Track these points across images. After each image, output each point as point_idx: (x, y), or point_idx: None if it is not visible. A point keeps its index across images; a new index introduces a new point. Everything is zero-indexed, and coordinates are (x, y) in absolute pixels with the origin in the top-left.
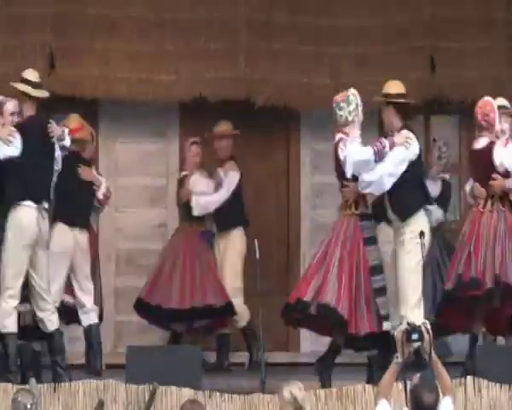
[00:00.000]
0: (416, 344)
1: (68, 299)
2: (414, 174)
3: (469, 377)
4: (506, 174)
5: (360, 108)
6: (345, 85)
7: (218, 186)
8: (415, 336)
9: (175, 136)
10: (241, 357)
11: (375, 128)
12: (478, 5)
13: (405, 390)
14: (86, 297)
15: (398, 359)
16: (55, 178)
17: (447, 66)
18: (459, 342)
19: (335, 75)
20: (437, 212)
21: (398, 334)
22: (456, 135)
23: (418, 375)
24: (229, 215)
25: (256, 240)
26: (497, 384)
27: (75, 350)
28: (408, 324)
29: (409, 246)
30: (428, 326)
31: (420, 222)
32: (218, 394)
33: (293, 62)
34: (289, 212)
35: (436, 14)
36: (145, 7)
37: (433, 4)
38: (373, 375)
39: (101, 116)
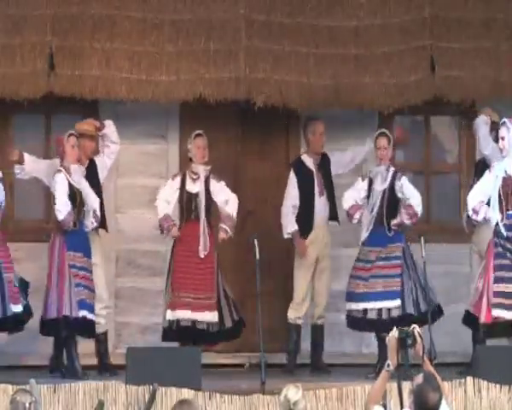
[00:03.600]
0: (410, 349)
1: None
2: None
3: (469, 378)
4: None
5: None
6: (345, 86)
7: None
8: (409, 342)
9: (175, 136)
10: (242, 358)
11: (375, 130)
12: (478, 5)
13: (400, 393)
14: None
15: (389, 366)
16: None
17: (447, 66)
18: (458, 344)
19: (335, 76)
20: None
21: (391, 341)
22: (456, 135)
23: (421, 375)
24: None
25: (256, 240)
26: (497, 385)
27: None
28: (400, 330)
29: None
30: (419, 330)
31: None
32: (218, 395)
33: (292, 63)
34: None
35: (436, 14)
36: (145, 7)
37: (433, 4)
38: None
39: (101, 117)
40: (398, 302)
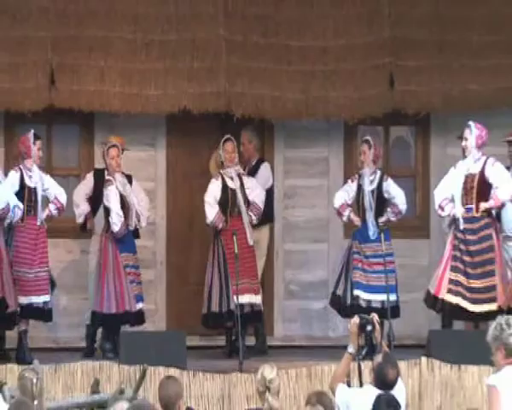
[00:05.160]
0: (369, 335)
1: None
2: None
3: (424, 358)
4: None
5: None
6: (314, 99)
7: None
8: (369, 328)
9: (162, 145)
10: (222, 341)
11: (341, 139)
12: (432, 28)
13: (359, 373)
14: None
15: (350, 349)
16: None
17: (404, 82)
18: (414, 328)
19: (305, 90)
20: None
21: (352, 326)
22: (412, 143)
23: (380, 355)
24: None
25: (235, 236)
26: (449, 365)
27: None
28: (360, 317)
29: None
30: (377, 318)
31: None
32: (201, 373)
33: (267, 79)
34: None
35: (395, 35)
36: (135, 29)
37: (392, 27)
38: None
39: (96, 127)
40: (394, 296)
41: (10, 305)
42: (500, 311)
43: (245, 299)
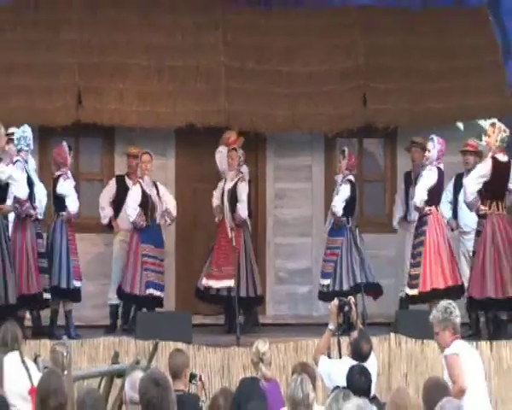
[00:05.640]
0: (346, 314)
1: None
2: None
3: (392, 334)
4: None
5: None
6: (300, 116)
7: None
8: (347, 308)
9: (172, 154)
10: (222, 319)
11: (322, 149)
12: (400, 56)
13: (339, 346)
14: None
15: (331, 326)
16: None
17: (375, 101)
18: (384, 308)
19: (293, 108)
20: None
21: (332, 307)
22: (382, 152)
23: (356, 331)
24: None
25: (233, 232)
26: (413, 340)
27: (101, 314)
28: (340, 299)
29: None
30: (354, 300)
31: None
32: (204, 347)
33: (261, 99)
34: (258, 210)
35: (368, 62)
36: (149, 57)
37: (365, 55)
38: None
39: (116, 139)
40: (328, 281)
41: (33, 289)
42: (424, 294)
43: (212, 283)
